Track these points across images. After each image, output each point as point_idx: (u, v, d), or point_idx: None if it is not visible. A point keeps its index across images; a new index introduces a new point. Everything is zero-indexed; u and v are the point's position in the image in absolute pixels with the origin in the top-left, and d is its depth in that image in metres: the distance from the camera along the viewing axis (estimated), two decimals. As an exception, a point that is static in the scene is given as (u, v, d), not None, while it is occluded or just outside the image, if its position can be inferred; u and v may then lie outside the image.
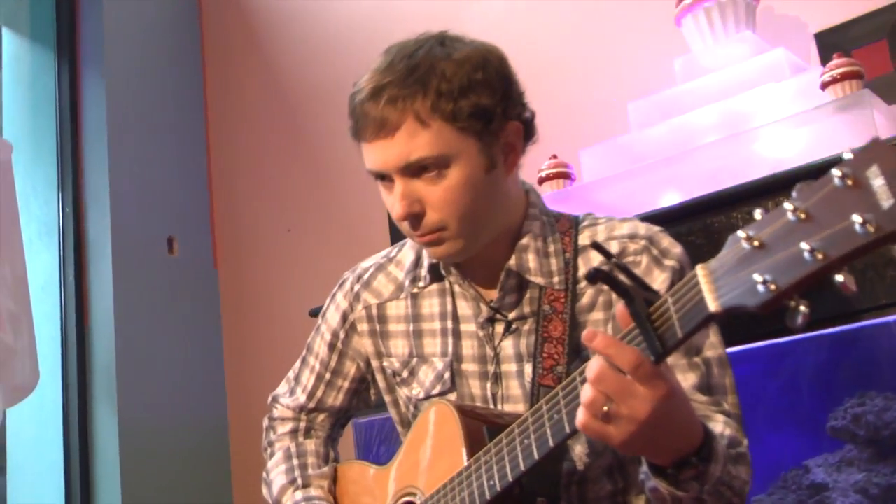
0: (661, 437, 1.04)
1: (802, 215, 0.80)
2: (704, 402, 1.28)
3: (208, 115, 4.04)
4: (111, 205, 3.56)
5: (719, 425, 1.24)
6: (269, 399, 1.69)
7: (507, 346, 1.39)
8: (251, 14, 3.93)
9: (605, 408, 0.99)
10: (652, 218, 1.62)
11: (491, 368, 1.40)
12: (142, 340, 3.54)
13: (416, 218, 1.31)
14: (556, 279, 1.38)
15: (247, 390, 3.65)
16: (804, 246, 0.79)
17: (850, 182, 0.77)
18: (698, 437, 1.08)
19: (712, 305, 0.88)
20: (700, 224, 1.99)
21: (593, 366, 1.01)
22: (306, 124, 3.69)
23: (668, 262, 1.37)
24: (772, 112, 2.05)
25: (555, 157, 2.44)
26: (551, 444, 1.11)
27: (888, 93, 2.04)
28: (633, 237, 1.38)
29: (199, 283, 3.85)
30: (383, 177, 1.33)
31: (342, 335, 1.56)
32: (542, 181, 2.43)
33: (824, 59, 2.41)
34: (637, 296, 0.98)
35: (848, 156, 0.78)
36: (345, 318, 1.55)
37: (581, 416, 1.02)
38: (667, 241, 1.40)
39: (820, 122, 1.93)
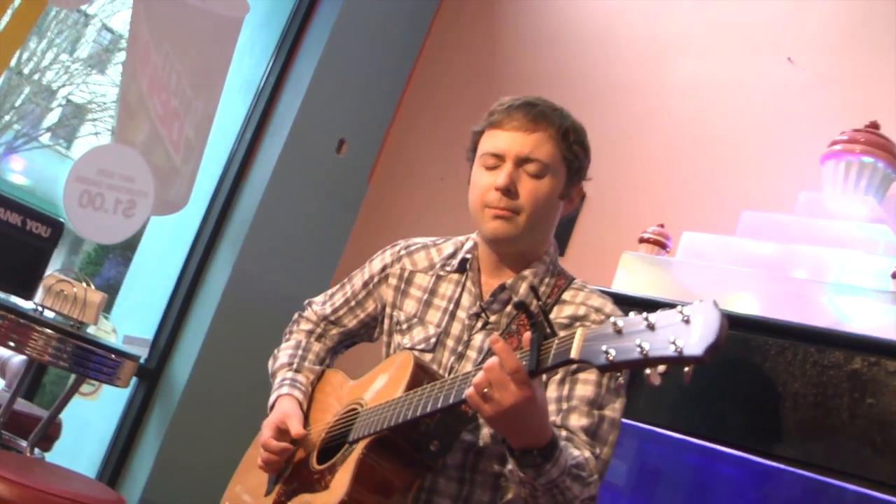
0: (515, 426, 1.46)
1: (650, 326, 1.23)
2: (585, 440, 1.66)
3: (425, 48, 4.37)
4: (307, 89, 3.97)
5: (580, 452, 1.61)
6: (306, 301, 2.12)
7: (477, 339, 1.80)
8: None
9: (486, 390, 1.42)
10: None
11: (461, 349, 1.81)
12: (281, 211, 3.97)
13: (508, 192, 1.72)
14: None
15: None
16: (637, 342, 1.22)
17: (685, 319, 1.20)
18: (544, 440, 1.48)
19: (574, 353, 1.33)
20: (742, 338, 2.17)
21: (490, 360, 1.43)
22: (507, 90, 3.95)
23: None
24: (853, 276, 2.20)
25: (662, 225, 2.65)
26: (451, 401, 1.51)
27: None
28: (598, 310, 1.78)
29: (349, 188, 4.24)
30: (496, 159, 1.75)
31: (376, 280, 1.99)
32: (641, 241, 2.64)
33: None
34: (541, 331, 1.41)
35: (697, 303, 1.20)
36: (384, 269, 1.99)
37: (468, 389, 1.45)
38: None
39: (881, 304, 2.08)
